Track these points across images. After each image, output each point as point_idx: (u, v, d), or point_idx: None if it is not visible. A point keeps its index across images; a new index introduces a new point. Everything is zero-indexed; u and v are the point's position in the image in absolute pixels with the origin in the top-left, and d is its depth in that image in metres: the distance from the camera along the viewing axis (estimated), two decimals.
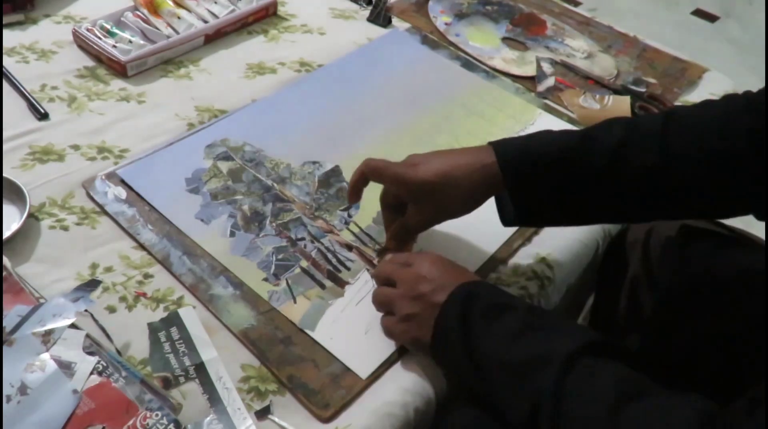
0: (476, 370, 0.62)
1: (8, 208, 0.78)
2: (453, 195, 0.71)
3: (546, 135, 0.71)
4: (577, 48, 1.17)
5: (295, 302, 0.73)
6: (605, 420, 0.53)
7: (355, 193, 0.77)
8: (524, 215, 0.72)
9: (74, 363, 0.62)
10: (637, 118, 0.72)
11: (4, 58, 1.00)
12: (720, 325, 0.76)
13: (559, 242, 0.84)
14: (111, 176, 0.84)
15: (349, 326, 0.72)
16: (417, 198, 0.72)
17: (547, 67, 1.11)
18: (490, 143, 0.71)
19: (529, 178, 0.69)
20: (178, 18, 1.07)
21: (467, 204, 0.72)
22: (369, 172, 0.74)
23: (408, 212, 0.74)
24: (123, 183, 0.84)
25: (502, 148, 0.70)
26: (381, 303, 0.70)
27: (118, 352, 0.66)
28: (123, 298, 0.72)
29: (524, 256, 0.82)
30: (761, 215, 0.68)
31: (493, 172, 0.69)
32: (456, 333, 0.63)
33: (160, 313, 0.71)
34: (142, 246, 0.77)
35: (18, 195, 0.79)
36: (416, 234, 0.77)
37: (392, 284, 0.69)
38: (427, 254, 0.72)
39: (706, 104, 0.71)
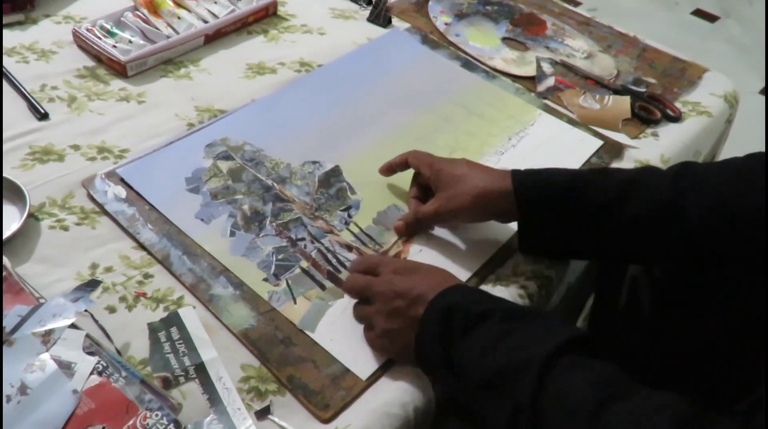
0: (459, 383, 0.62)
1: (8, 208, 0.78)
2: (467, 193, 0.75)
3: (562, 168, 0.76)
4: (577, 48, 1.17)
5: (295, 303, 0.73)
6: (585, 425, 0.53)
7: (388, 170, 0.85)
8: (533, 241, 0.76)
9: (74, 363, 0.62)
10: (653, 166, 0.76)
11: (4, 58, 1.00)
12: (720, 325, 0.76)
13: None
14: (111, 175, 0.84)
15: (349, 327, 0.71)
16: (439, 185, 0.78)
17: (547, 67, 1.11)
18: (511, 170, 0.76)
19: (540, 201, 0.73)
20: (178, 18, 1.07)
21: (476, 207, 0.76)
22: (412, 159, 0.83)
23: (426, 203, 0.80)
24: (123, 182, 0.84)
25: (518, 173, 0.75)
26: (360, 318, 0.71)
27: (118, 352, 0.66)
28: (123, 298, 0.72)
29: (524, 256, 0.82)
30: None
31: (506, 187, 0.74)
32: (437, 351, 0.63)
33: (160, 313, 0.71)
34: (142, 246, 0.77)
35: (18, 195, 0.79)
36: (424, 225, 0.81)
37: (366, 296, 0.70)
38: (390, 261, 0.73)
39: (729, 160, 0.73)
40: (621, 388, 0.55)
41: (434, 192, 0.80)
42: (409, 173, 0.85)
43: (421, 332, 0.64)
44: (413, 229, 0.81)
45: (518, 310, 0.67)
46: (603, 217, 0.71)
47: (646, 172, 0.74)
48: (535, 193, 0.73)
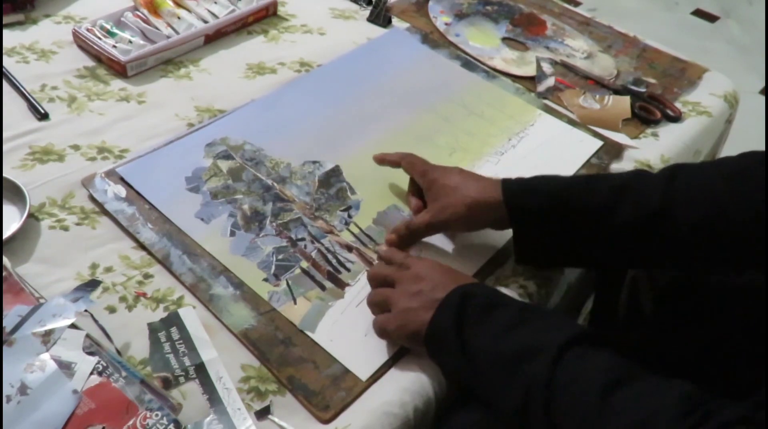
0: (469, 364, 0.63)
1: (8, 208, 0.78)
2: (459, 204, 0.75)
3: (553, 176, 0.76)
4: (577, 48, 1.17)
5: (295, 303, 0.73)
6: (595, 405, 0.54)
7: (381, 161, 0.86)
8: (528, 251, 0.76)
9: (74, 363, 0.62)
10: (644, 170, 0.75)
11: (4, 58, 1.00)
12: (720, 325, 0.76)
13: None
14: (110, 174, 0.84)
15: (349, 328, 0.72)
16: (430, 195, 0.79)
17: (547, 67, 1.11)
18: (502, 179, 0.76)
19: (530, 212, 0.73)
20: (178, 18, 1.07)
21: (468, 217, 0.76)
22: (405, 164, 0.83)
23: (418, 215, 0.80)
24: (123, 181, 0.84)
25: (508, 183, 0.75)
26: (378, 303, 0.71)
27: (118, 352, 0.66)
28: (123, 298, 0.72)
29: None
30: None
31: (498, 197, 0.74)
32: (451, 329, 0.64)
33: (160, 313, 0.71)
34: (142, 246, 0.77)
35: (18, 195, 0.79)
36: (417, 236, 0.80)
37: (389, 286, 0.70)
38: (424, 259, 0.74)
39: (721, 160, 0.73)
40: (630, 372, 0.56)
41: (426, 201, 0.80)
42: None
43: (438, 312, 0.65)
44: (407, 242, 0.79)
45: (533, 305, 0.72)
46: (594, 225, 0.71)
47: (637, 177, 0.73)
48: (525, 204, 0.73)
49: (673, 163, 0.74)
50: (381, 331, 0.70)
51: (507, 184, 0.75)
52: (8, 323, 0.64)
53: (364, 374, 0.68)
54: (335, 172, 0.89)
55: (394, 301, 0.69)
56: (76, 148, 0.88)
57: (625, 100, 1.06)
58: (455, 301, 0.65)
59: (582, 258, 0.76)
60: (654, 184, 0.70)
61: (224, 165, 0.87)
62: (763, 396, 0.52)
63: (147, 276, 0.75)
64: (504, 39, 1.17)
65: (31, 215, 0.78)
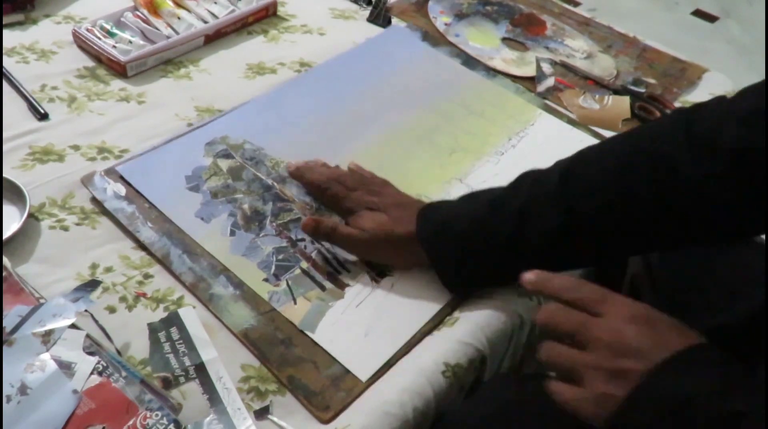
0: None
1: (8, 208, 0.78)
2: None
3: (464, 205, 0.74)
4: (576, 48, 1.17)
5: (295, 303, 0.73)
6: None
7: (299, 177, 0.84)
8: (450, 280, 0.74)
9: (74, 363, 0.62)
10: (543, 175, 0.72)
11: (4, 58, 1.00)
12: (720, 324, 0.76)
13: None
14: (110, 172, 0.84)
15: (349, 328, 0.72)
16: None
17: (546, 68, 1.11)
18: (419, 212, 0.74)
19: (447, 251, 0.72)
20: (178, 18, 1.07)
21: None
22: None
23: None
24: (122, 179, 0.84)
25: (423, 222, 0.73)
26: (562, 365, 0.55)
27: (118, 352, 0.66)
28: (123, 298, 0.72)
29: None
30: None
31: (414, 241, 0.73)
32: None
33: (160, 313, 0.71)
34: (142, 246, 0.77)
35: (18, 195, 0.79)
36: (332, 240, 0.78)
37: (578, 339, 0.55)
38: (618, 301, 0.57)
39: (608, 146, 0.73)
40: None
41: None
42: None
43: (633, 410, 0.51)
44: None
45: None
46: (505, 251, 0.70)
47: (531, 193, 0.70)
48: (440, 247, 0.72)
49: (566, 160, 0.72)
50: (567, 408, 0.53)
51: (420, 221, 0.73)
52: (8, 323, 0.64)
53: (364, 375, 0.68)
54: None
55: (586, 376, 0.53)
56: (76, 148, 0.88)
57: (625, 101, 1.06)
58: (655, 402, 0.51)
59: (506, 279, 0.72)
60: (549, 199, 0.69)
61: (224, 164, 0.87)
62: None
63: (147, 276, 0.75)
64: (504, 39, 1.17)
65: (31, 215, 0.78)
